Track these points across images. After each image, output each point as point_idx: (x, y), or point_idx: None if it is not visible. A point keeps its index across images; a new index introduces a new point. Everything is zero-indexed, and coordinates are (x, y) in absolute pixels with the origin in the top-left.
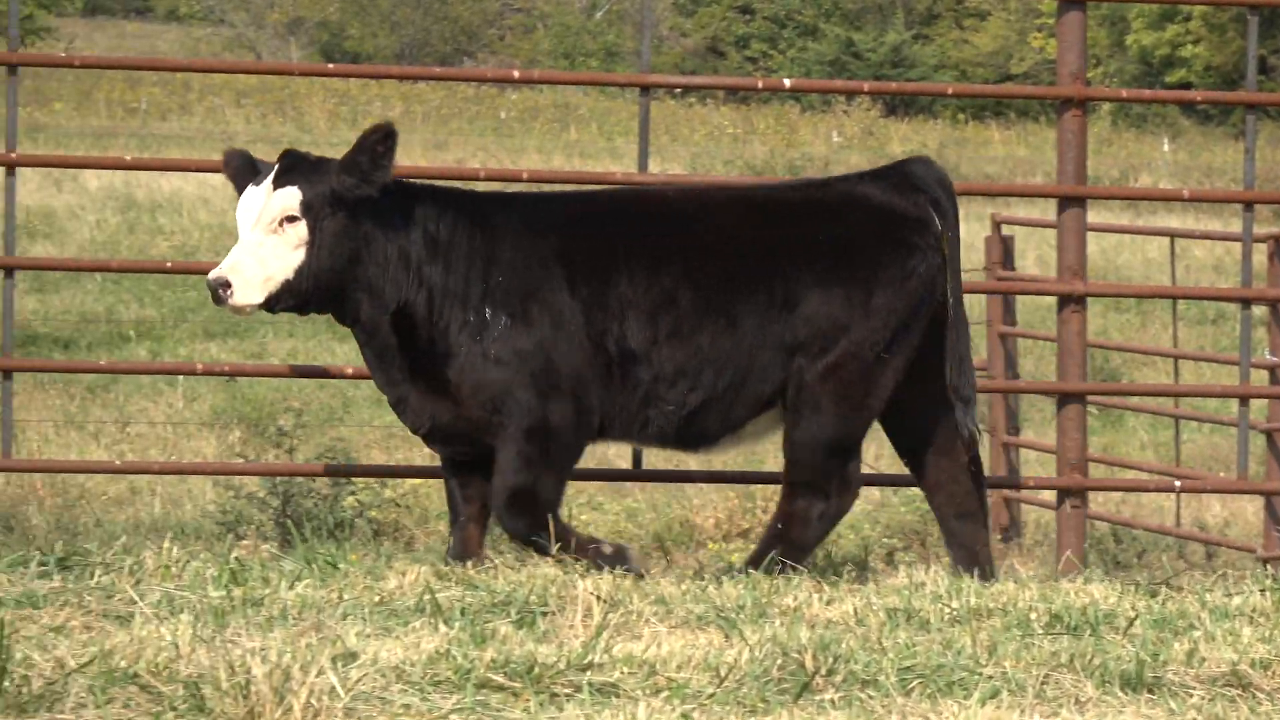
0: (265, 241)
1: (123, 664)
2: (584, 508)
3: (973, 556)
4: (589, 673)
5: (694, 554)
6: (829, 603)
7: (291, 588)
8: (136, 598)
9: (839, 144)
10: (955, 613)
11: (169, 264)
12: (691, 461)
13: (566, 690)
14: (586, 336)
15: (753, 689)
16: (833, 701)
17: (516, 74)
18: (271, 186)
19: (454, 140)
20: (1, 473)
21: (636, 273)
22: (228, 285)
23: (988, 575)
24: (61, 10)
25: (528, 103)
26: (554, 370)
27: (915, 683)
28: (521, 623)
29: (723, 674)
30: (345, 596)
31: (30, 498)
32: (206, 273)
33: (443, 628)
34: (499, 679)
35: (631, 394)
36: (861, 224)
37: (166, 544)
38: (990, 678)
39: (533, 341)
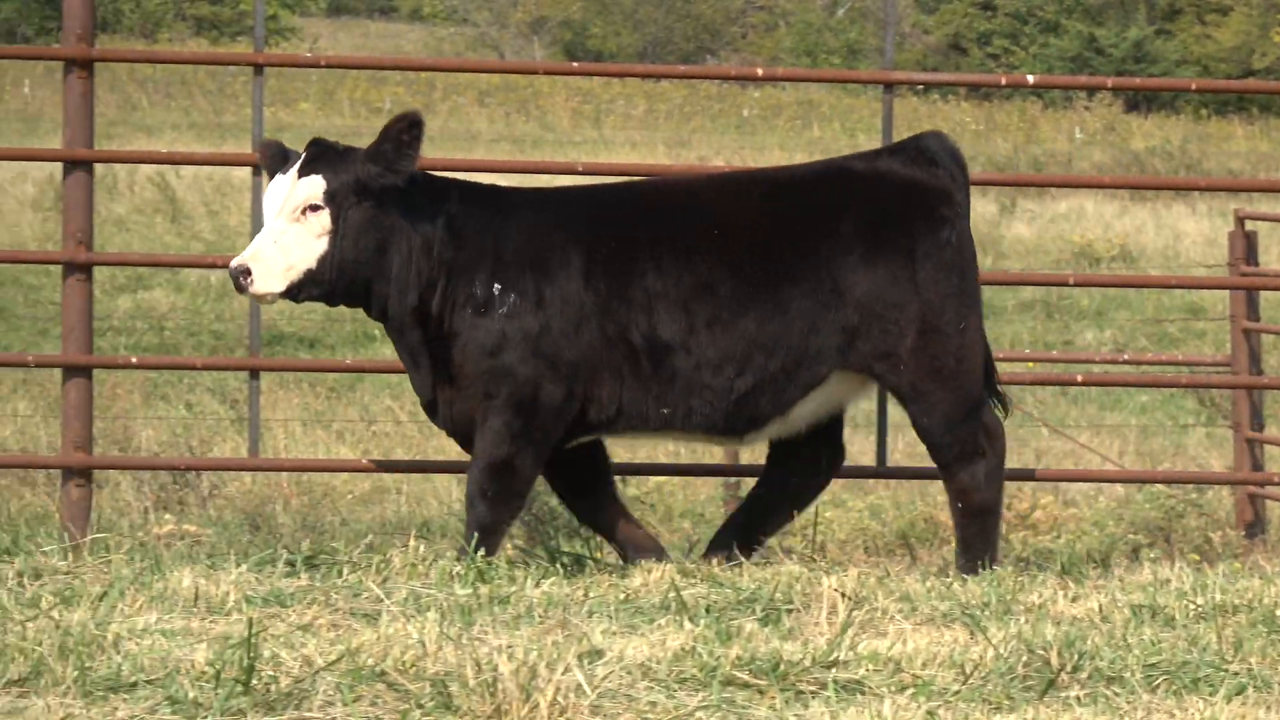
0: (288, 230)
1: (370, 662)
2: (827, 505)
3: (757, 526)
4: (834, 670)
5: (938, 551)
6: (1073, 600)
7: (538, 585)
8: (383, 596)
9: (1081, 140)
10: (1200, 609)
11: None
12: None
13: (811, 687)
14: (601, 330)
15: (998, 686)
16: (1078, 699)
17: (760, 72)
18: (296, 175)
19: (696, 138)
20: (249, 471)
21: (665, 264)
22: (248, 273)
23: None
24: (306, 10)
25: (770, 100)
26: (556, 354)
27: (1160, 679)
28: (766, 620)
29: (968, 671)
30: (591, 594)
31: (276, 496)
32: None
33: (688, 625)
34: (744, 676)
35: (668, 385)
36: (892, 200)
37: (413, 542)
38: (1236, 674)
39: (539, 323)
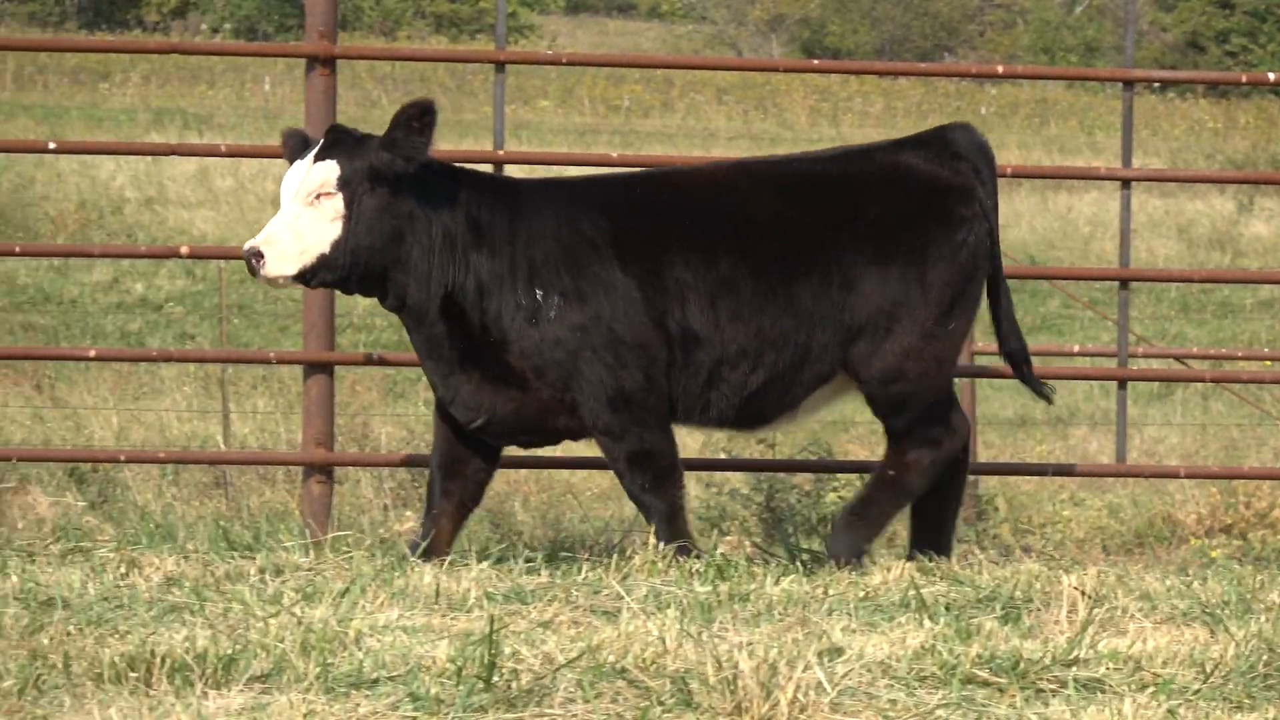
0: (302, 214)
1: (610, 659)
2: (1065, 504)
3: (937, 539)
4: (1074, 668)
5: (1176, 550)
6: None
7: (777, 583)
8: (624, 593)
9: None
10: None
11: None
12: (1170, 457)
13: (1052, 686)
14: (647, 315)
15: (1238, 685)
16: None
17: (1000, 69)
18: (312, 160)
19: None
20: None
21: (692, 257)
22: (260, 256)
23: (945, 552)
24: (545, 8)
25: (1007, 98)
26: (617, 339)
27: None
28: (1006, 618)
29: (1208, 670)
30: (830, 592)
31: (516, 493)
32: None
33: (928, 623)
34: (984, 674)
35: (695, 377)
36: (908, 197)
37: (652, 539)
38: None
39: (589, 315)
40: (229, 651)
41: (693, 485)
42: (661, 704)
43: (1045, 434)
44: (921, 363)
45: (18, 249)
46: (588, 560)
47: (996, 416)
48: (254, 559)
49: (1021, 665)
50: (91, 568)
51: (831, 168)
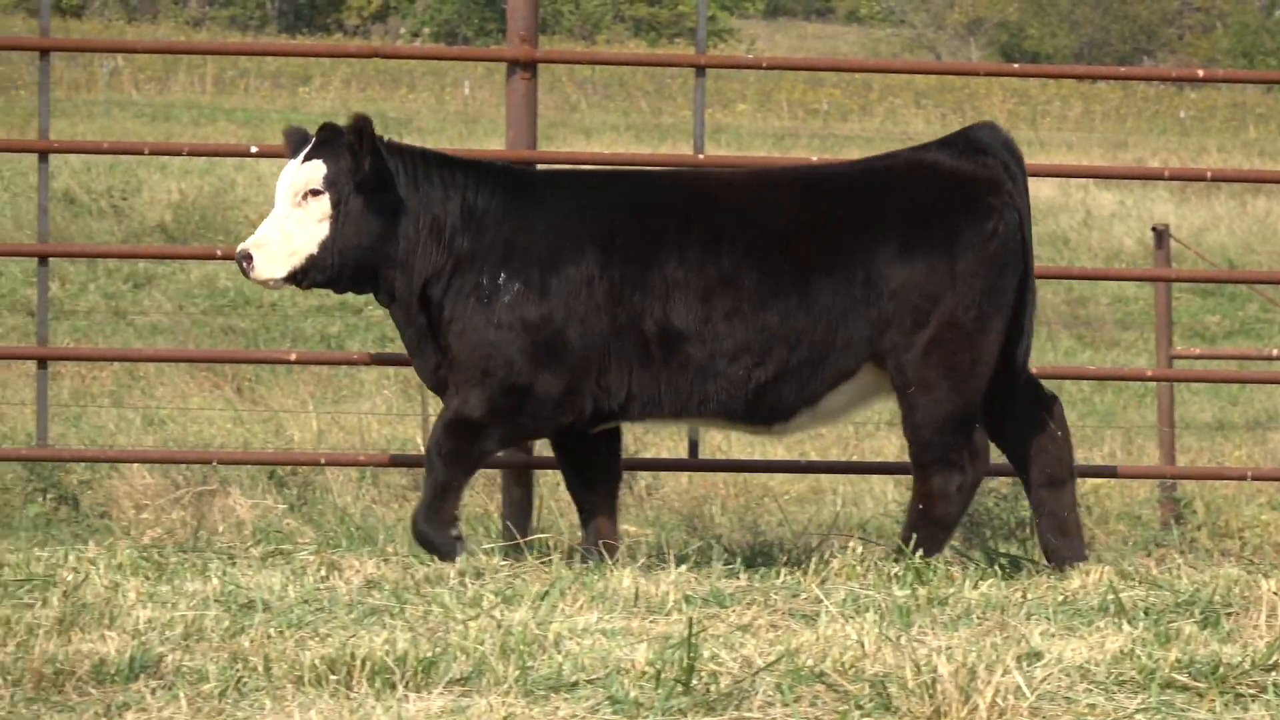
0: (290, 214)
1: (809, 662)
2: (1264, 507)
3: (1062, 525)
4: (1274, 674)
5: None
6: None
7: (975, 587)
8: (822, 596)
9: None
10: None
11: None
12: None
13: (1251, 691)
14: (612, 317)
15: None
16: None
17: (1201, 73)
18: (301, 160)
19: (1133, 140)
20: (687, 472)
21: (689, 254)
22: (249, 258)
23: (1077, 545)
24: (744, 12)
25: (1206, 102)
26: (561, 345)
27: None
28: (1205, 623)
29: None
30: (1029, 596)
31: (714, 497)
32: None
33: (1126, 627)
34: (1183, 679)
35: (680, 372)
36: (934, 191)
37: (851, 542)
38: None
39: (541, 314)
40: (429, 654)
41: (891, 489)
42: (860, 708)
43: (1243, 438)
44: (952, 353)
45: (219, 252)
46: (786, 563)
47: (1195, 420)
48: (454, 562)
49: (1221, 670)
50: (292, 570)
51: (853, 170)
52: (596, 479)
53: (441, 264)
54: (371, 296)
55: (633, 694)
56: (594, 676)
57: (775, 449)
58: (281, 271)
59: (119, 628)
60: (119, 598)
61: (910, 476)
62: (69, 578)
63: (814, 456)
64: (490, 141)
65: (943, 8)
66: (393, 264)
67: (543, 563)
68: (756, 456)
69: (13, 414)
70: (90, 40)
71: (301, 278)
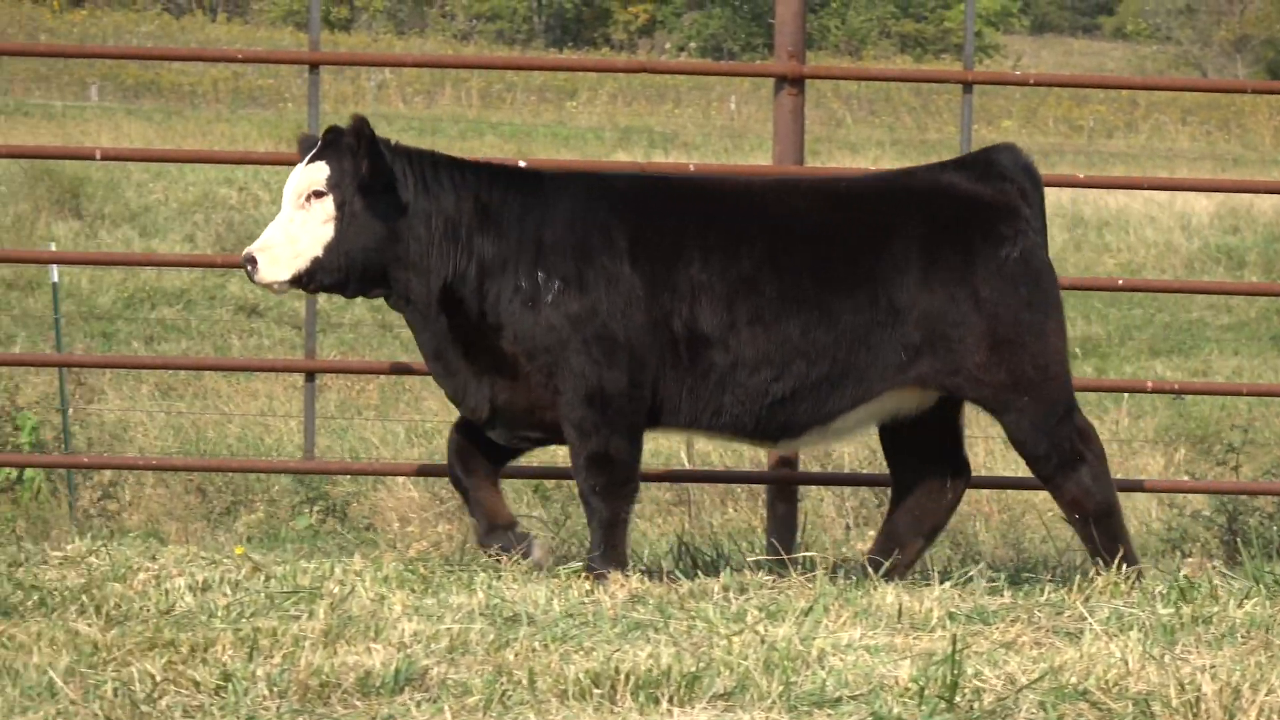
0: (295, 217)
1: (1072, 680)
2: None
3: (890, 553)
4: None
5: None
6: None
7: (1240, 605)
8: (1086, 614)
9: None
10: None
11: (1119, 281)
12: None
13: None
14: (647, 313)
15: None
16: None
17: None
18: (305, 163)
19: None
20: None
21: (711, 259)
22: (254, 262)
23: (900, 575)
24: (1009, 28)
25: None
26: (609, 336)
27: None
28: None
29: None
30: None
31: (977, 514)
32: (1153, 291)
33: None
34: None
35: (703, 379)
36: (950, 217)
37: (1117, 560)
38: None
39: (585, 306)
40: (693, 669)
41: (1154, 506)
42: None
43: None
44: (1012, 369)
45: None
46: (1050, 581)
47: None
48: (717, 577)
49: None
50: (557, 584)
51: (873, 187)
52: (479, 466)
53: (463, 266)
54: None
55: (896, 710)
56: (857, 693)
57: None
58: (286, 274)
59: (385, 640)
60: (385, 610)
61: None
62: (335, 590)
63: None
64: (756, 156)
65: (1209, 25)
66: (404, 266)
67: (807, 578)
68: (1021, 474)
69: (280, 426)
70: (358, 54)
71: (307, 281)
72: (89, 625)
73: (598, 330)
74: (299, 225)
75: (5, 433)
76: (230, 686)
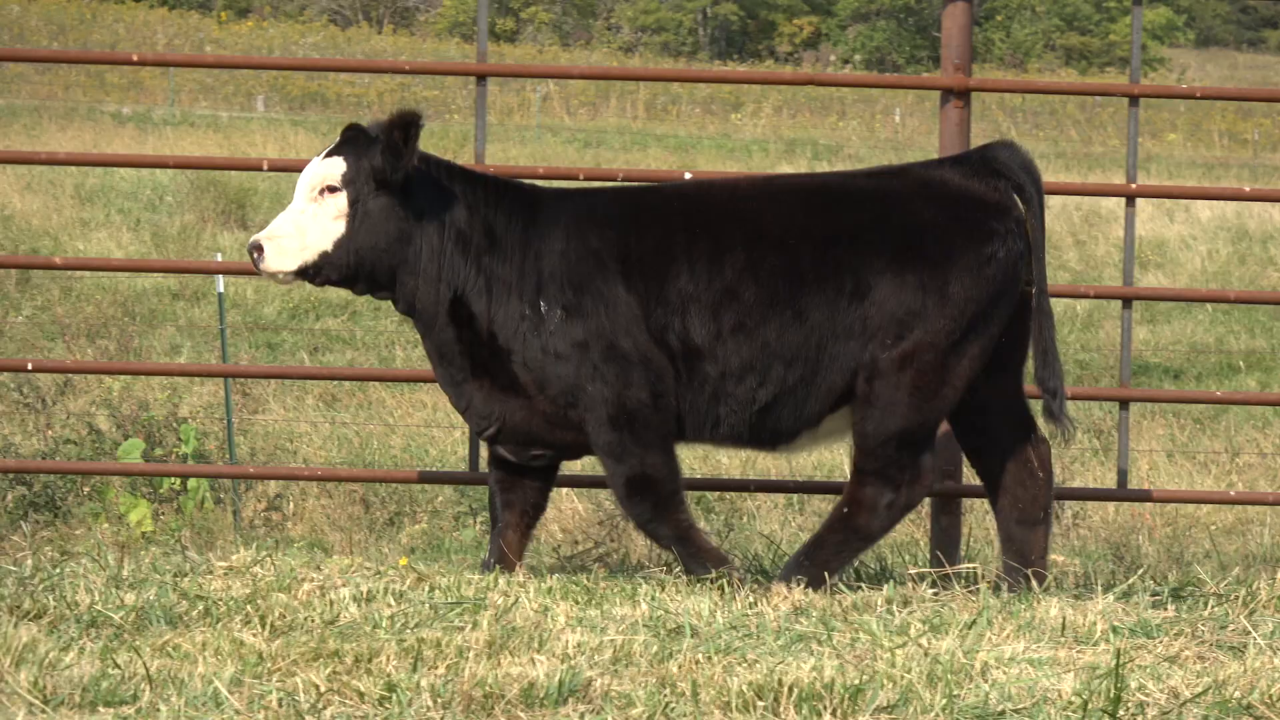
0: (306, 210)
1: (1236, 694)
2: None
3: (1025, 562)
4: None
5: None
6: None
7: None
8: (1250, 628)
9: None
10: None
11: None
12: None
13: None
14: (647, 330)
15: None
16: None
17: None
18: (322, 157)
19: None
20: (1113, 501)
21: (698, 268)
22: (260, 250)
23: (1038, 582)
24: (1174, 41)
25: None
26: (619, 355)
27: None
28: None
29: None
30: None
31: (1140, 527)
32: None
33: None
34: None
35: (699, 392)
36: (936, 209)
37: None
38: None
39: (590, 330)
40: (856, 681)
41: None
42: None
43: None
44: (922, 373)
45: None
46: (1214, 594)
47: None
48: (880, 589)
49: None
50: (720, 596)
51: (861, 182)
52: (517, 500)
53: (473, 280)
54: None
55: None
56: (1020, 706)
57: (1205, 480)
58: (292, 265)
59: (548, 651)
60: (549, 621)
61: None
62: (499, 601)
63: (1241, 488)
64: None
65: None
66: (412, 271)
67: (970, 591)
68: (1184, 488)
69: (444, 438)
70: (525, 66)
71: (314, 274)
72: (254, 635)
73: (605, 351)
74: (309, 218)
75: (169, 443)
76: (394, 697)
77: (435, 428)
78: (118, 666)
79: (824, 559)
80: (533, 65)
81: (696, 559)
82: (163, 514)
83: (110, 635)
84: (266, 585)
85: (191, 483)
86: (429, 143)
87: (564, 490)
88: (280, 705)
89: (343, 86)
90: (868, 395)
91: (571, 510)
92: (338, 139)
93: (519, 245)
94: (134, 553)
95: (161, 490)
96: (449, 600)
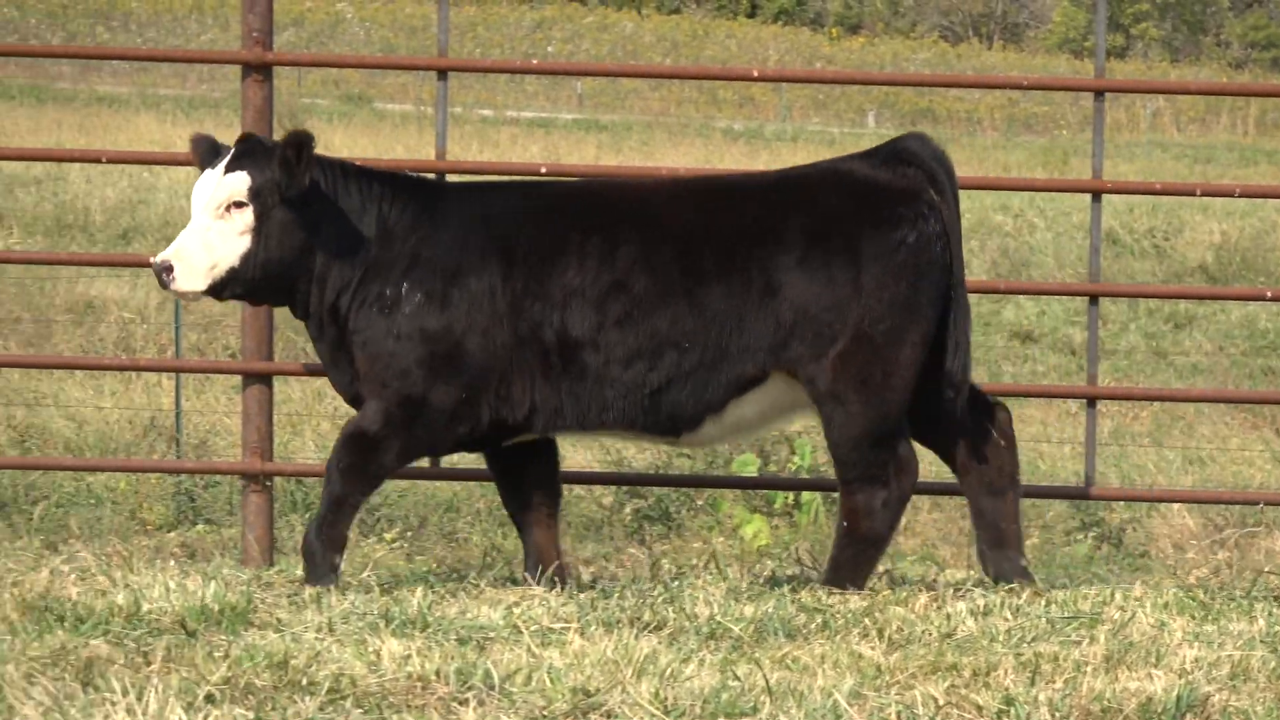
0: (212, 226)
1: None
2: None
3: (1000, 537)
4: None
5: None
6: None
7: None
8: None
9: None
10: None
11: None
12: None
13: None
14: (513, 328)
15: None
16: None
17: None
18: (223, 171)
19: None
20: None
21: (587, 261)
22: (170, 270)
23: (1013, 558)
24: None
25: None
26: (458, 356)
27: None
28: None
29: None
30: None
31: None
32: None
33: None
34: None
35: (579, 380)
36: (841, 200)
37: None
38: None
39: (442, 324)
40: None
41: None
42: None
43: None
44: (862, 367)
45: (1269, 294)
46: None
47: None
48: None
49: None
50: None
51: (764, 179)
52: (531, 495)
53: (350, 276)
54: None
55: None
56: None
57: None
58: (202, 284)
59: (1165, 666)
60: (1165, 636)
61: None
62: (1116, 616)
63: None
64: None
65: None
66: (309, 278)
67: None
68: None
69: (1054, 452)
70: (1140, 81)
71: (221, 289)
72: (872, 648)
73: (448, 348)
74: (216, 234)
75: (783, 457)
76: (1012, 711)
77: (1045, 442)
78: (737, 679)
79: (845, 578)
80: (1148, 80)
81: (325, 532)
82: (777, 527)
83: (729, 647)
84: (884, 598)
85: (805, 496)
86: (1038, 159)
87: (1175, 506)
88: (899, 718)
89: (953, 102)
90: (819, 401)
91: (1183, 526)
92: (233, 151)
93: (404, 234)
94: (749, 566)
95: (776, 505)
96: (1065, 614)
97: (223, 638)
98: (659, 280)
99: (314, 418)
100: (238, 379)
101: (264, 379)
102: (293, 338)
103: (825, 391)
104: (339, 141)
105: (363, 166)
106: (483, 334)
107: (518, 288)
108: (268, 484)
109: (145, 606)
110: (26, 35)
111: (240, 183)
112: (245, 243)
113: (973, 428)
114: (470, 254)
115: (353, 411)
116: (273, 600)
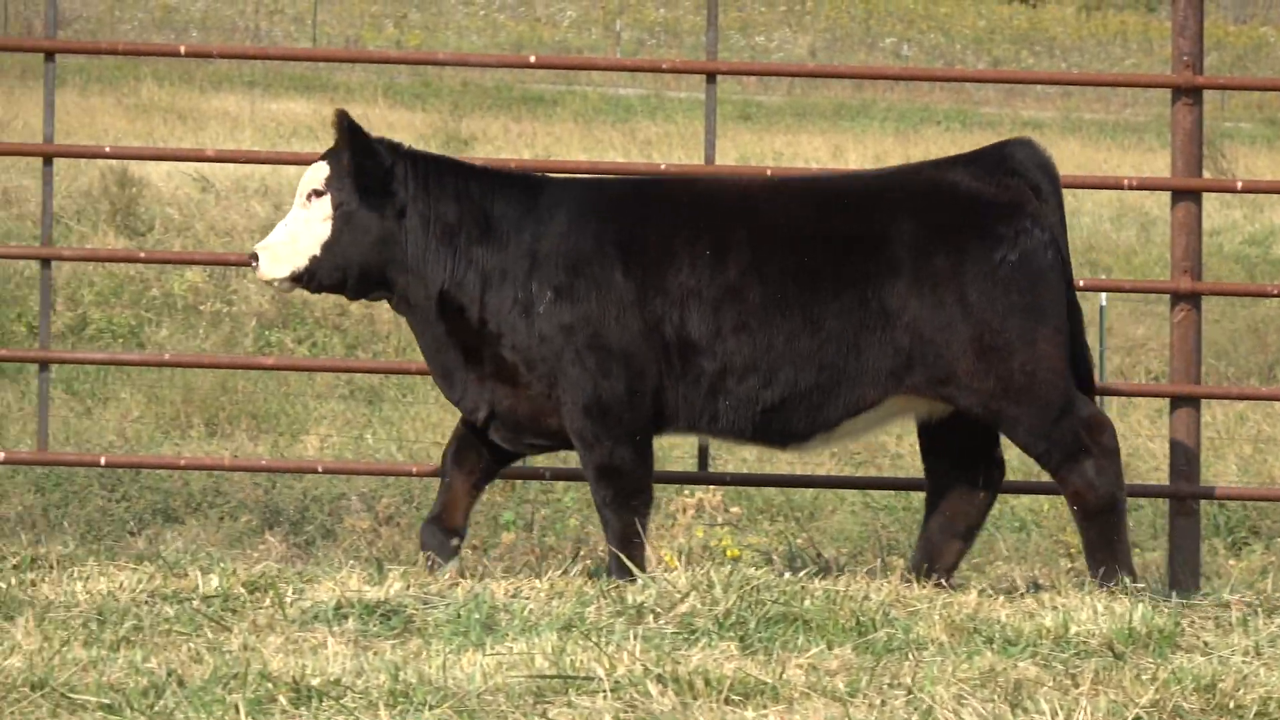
0: (298, 215)
1: None
2: None
3: (931, 565)
4: None
5: None
6: None
7: None
8: None
9: None
10: None
11: None
12: None
13: None
14: (642, 321)
15: None
16: None
17: None
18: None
19: None
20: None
21: (699, 264)
22: (256, 258)
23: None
24: None
25: None
26: (602, 344)
27: None
28: None
29: None
30: None
31: None
32: None
33: None
34: None
35: (695, 385)
36: (946, 216)
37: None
38: None
39: (578, 315)
40: None
41: None
42: None
43: None
44: (1000, 378)
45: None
46: None
47: None
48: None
49: None
50: None
51: (873, 186)
52: (469, 461)
53: (461, 274)
54: None
55: None
56: None
57: None
58: (284, 272)
59: None
60: None
61: None
62: None
63: None
64: None
65: None
66: (403, 269)
67: None
68: None
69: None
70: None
71: (307, 280)
72: None
73: (590, 338)
74: (300, 224)
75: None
76: None
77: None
78: None
79: (1109, 558)
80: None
81: (621, 568)
82: None
83: None
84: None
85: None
86: None
87: None
88: None
89: None
90: (981, 420)
91: None
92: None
93: (515, 231)
94: None
95: None
96: None
97: (1150, 660)
98: (773, 290)
99: (1236, 441)
100: (1160, 402)
101: (1192, 402)
102: (1212, 363)
103: (977, 409)
104: (1262, 165)
105: (462, 162)
106: (616, 323)
107: (639, 282)
108: (1195, 507)
109: (1073, 629)
110: (952, 60)
111: (320, 171)
112: (325, 231)
113: (966, 462)
114: (589, 247)
115: (451, 406)
116: (1199, 623)
